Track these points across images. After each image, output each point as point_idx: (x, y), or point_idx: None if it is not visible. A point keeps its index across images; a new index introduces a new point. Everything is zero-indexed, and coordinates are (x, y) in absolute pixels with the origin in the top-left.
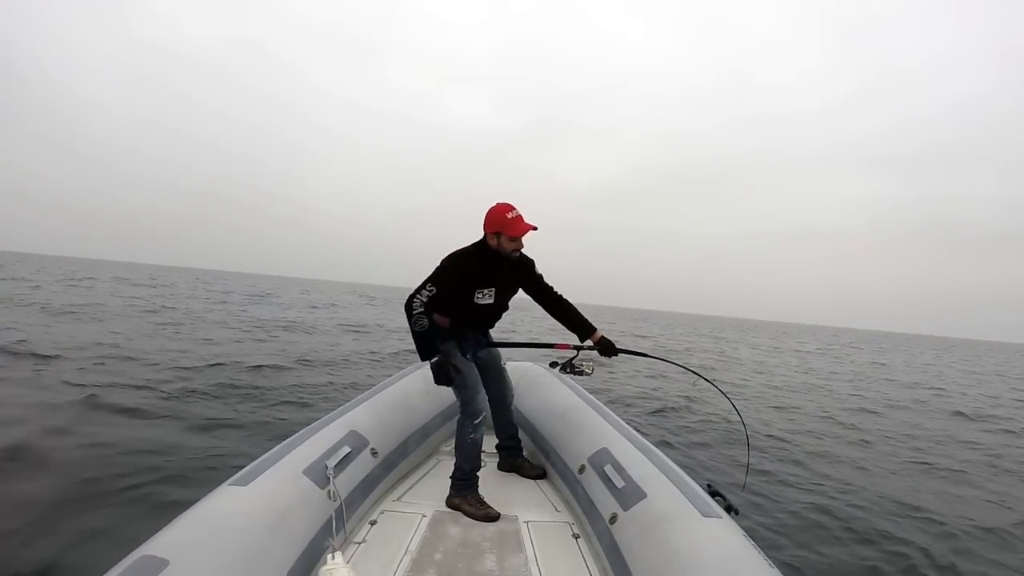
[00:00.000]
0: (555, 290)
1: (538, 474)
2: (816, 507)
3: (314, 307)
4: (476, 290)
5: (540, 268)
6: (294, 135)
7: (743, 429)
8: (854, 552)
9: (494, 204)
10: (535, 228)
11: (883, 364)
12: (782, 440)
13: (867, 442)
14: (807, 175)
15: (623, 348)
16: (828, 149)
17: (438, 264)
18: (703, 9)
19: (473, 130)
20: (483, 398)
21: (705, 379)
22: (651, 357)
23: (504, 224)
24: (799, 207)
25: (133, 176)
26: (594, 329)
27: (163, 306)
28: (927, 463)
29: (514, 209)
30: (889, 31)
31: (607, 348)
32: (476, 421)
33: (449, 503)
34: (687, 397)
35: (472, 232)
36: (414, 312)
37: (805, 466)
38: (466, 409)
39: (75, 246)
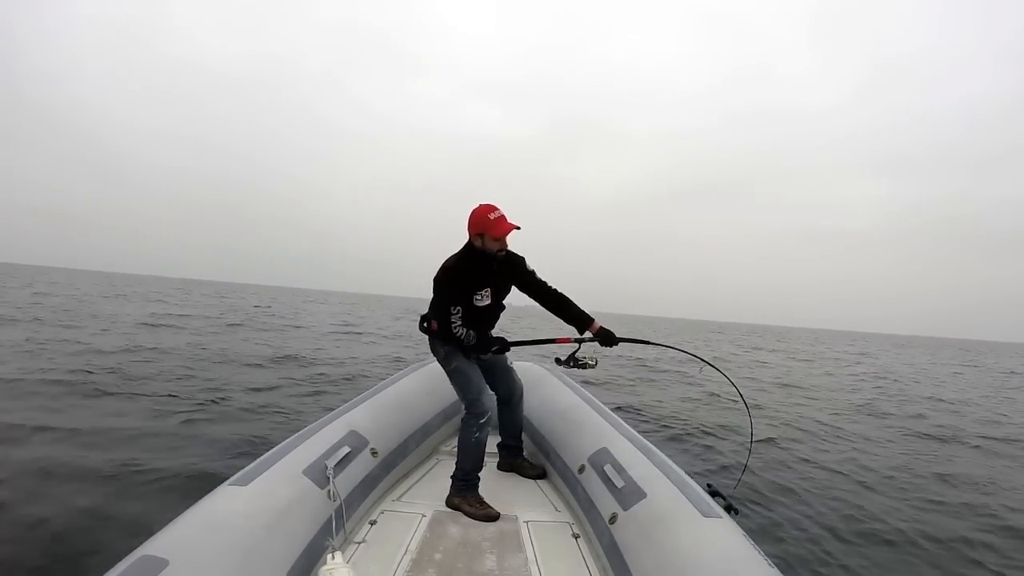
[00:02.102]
0: (549, 284)
1: (538, 474)
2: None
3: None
4: (473, 293)
5: (543, 266)
6: (316, 147)
7: (749, 424)
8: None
9: (476, 206)
10: (518, 228)
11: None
12: None
13: None
14: (830, 175)
15: (623, 337)
16: (848, 147)
17: (436, 281)
18: (711, 16)
19: (491, 138)
20: (488, 398)
21: (711, 364)
22: (652, 344)
23: (487, 225)
24: (824, 209)
25: (159, 190)
26: (592, 320)
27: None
28: None
29: (496, 209)
30: (898, 23)
31: (607, 338)
32: (481, 421)
33: (449, 503)
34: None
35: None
36: (460, 337)
37: None
38: (471, 409)
39: (103, 260)
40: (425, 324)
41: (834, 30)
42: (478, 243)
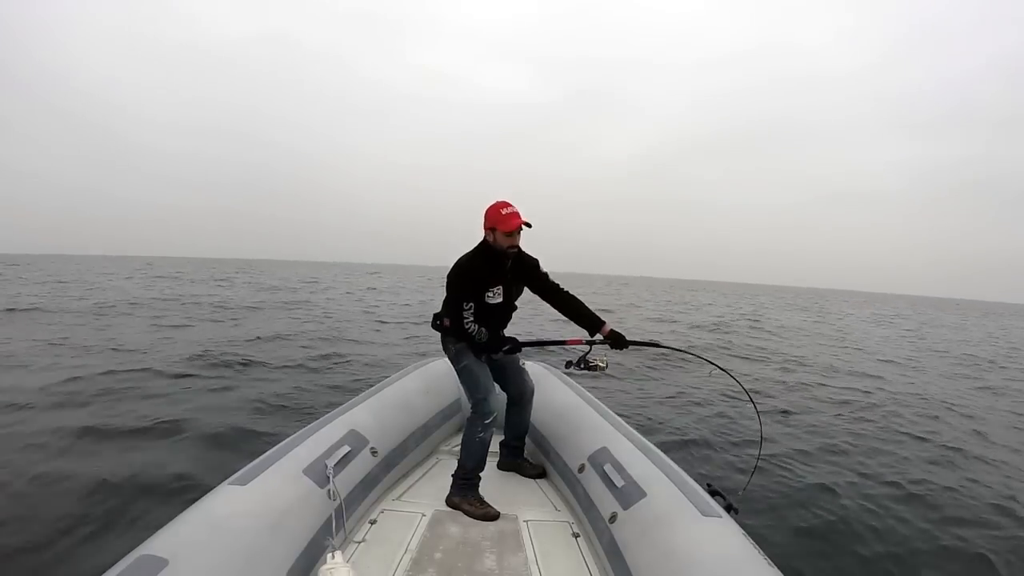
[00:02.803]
0: (562, 287)
1: (538, 473)
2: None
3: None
4: (486, 290)
5: (564, 230)
6: (330, 124)
7: (758, 423)
8: None
9: (492, 203)
10: (528, 225)
11: None
12: None
13: None
14: (850, 137)
15: (634, 340)
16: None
17: (449, 279)
18: None
19: (510, 106)
20: (495, 399)
21: (720, 368)
22: (663, 347)
23: (497, 220)
24: (842, 172)
25: (174, 179)
26: (603, 323)
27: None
28: None
29: (509, 206)
30: None
31: (618, 341)
32: (487, 421)
33: (449, 502)
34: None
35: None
36: (471, 333)
37: None
38: (478, 409)
39: (133, 246)
40: (438, 321)
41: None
42: (490, 238)
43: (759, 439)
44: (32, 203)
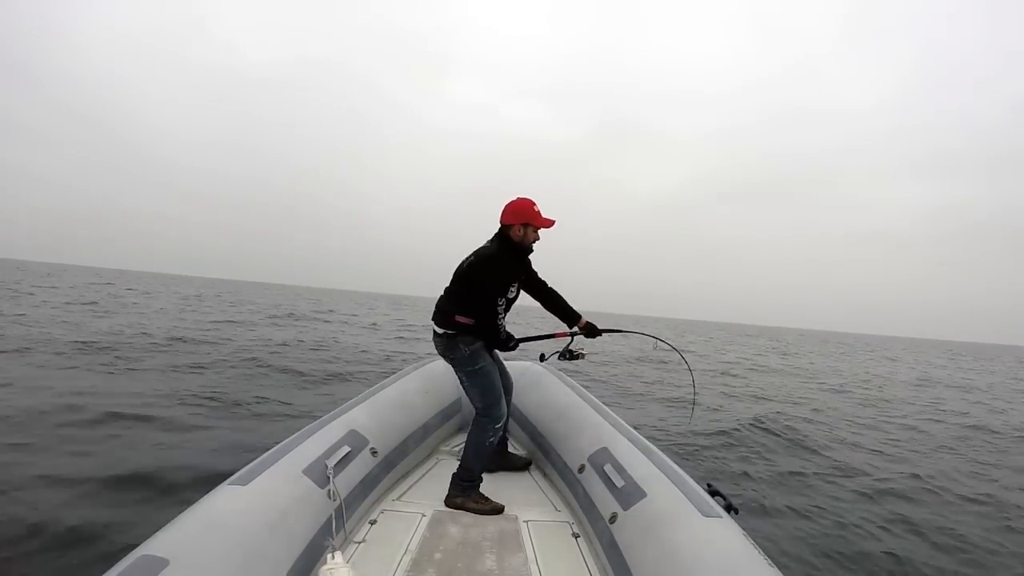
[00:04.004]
0: (547, 283)
1: (525, 463)
2: None
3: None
4: (510, 285)
5: (579, 266)
6: (360, 151)
7: (693, 393)
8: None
9: (516, 198)
10: (555, 222)
11: None
12: None
13: None
14: (872, 178)
15: (604, 328)
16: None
17: (475, 270)
18: (756, 13)
19: (535, 141)
20: (504, 404)
21: (662, 340)
22: (627, 332)
23: (532, 216)
24: (866, 212)
25: (207, 195)
26: (580, 315)
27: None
28: None
29: (536, 203)
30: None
31: (592, 330)
32: (498, 426)
33: (451, 503)
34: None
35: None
36: (499, 330)
37: None
38: (490, 412)
39: (159, 263)
40: (450, 319)
41: (879, 27)
42: (519, 234)
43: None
44: (66, 213)
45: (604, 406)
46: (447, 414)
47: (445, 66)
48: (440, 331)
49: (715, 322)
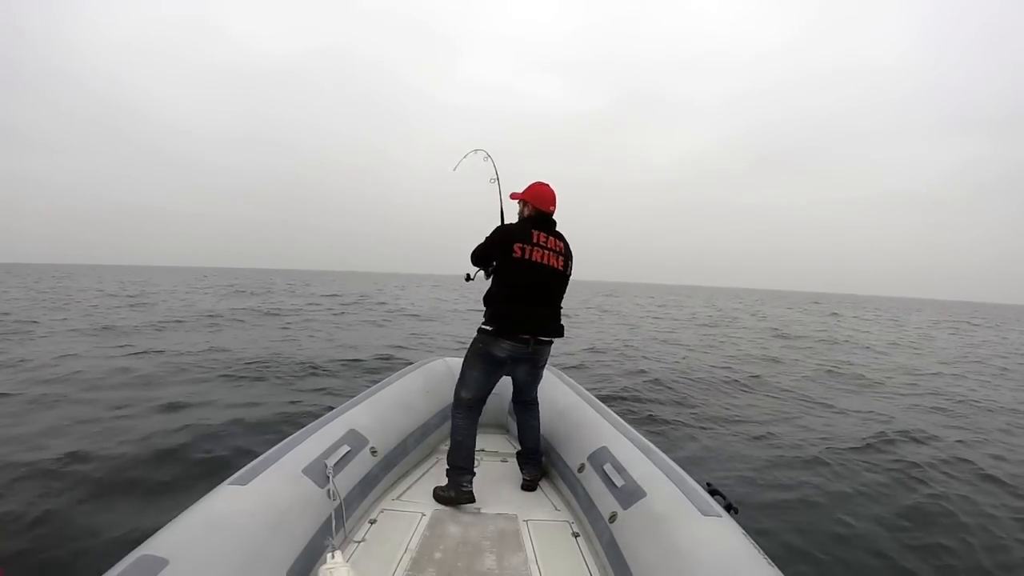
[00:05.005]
0: None
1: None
2: None
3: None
4: None
5: (605, 239)
6: (379, 138)
7: None
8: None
9: (537, 182)
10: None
11: None
12: None
13: None
14: (900, 136)
15: None
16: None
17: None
18: None
19: (554, 115)
20: None
21: None
22: None
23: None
24: (892, 172)
25: (229, 190)
26: None
27: None
28: None
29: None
30: None
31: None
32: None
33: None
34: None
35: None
36: None
37: None
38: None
39: (197, 258)
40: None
41: None
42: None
43: None
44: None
45: (604, 405)
46: (447, 414)
47: (459, 48)
48: (547, 339)
49: (763, 289)
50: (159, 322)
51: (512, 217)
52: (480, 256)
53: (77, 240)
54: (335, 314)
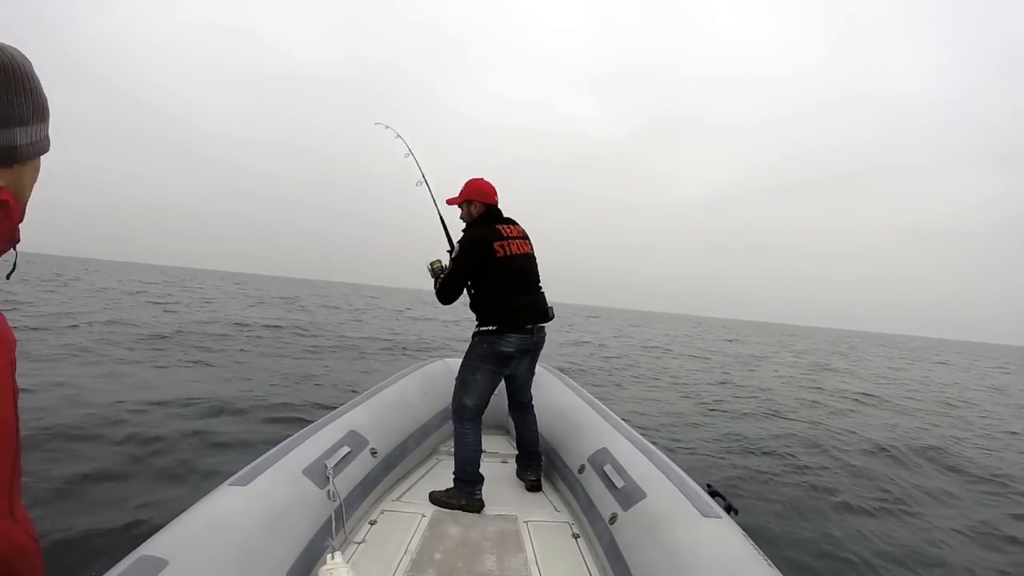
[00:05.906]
0: None
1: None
2: None
3: None
4: None
5: (631, 262)
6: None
7: None
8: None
9: (472, 179)
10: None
11: None
12: None
13: None
14: (934, 172)
15: None
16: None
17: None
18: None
19: (585, 136)
20: None
21: None
22: None
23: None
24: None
25: (269, 198)
26: None
27: None
28: None
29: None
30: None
31: None
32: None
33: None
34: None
35: (573, 246)
36: None
37: None
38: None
39: (230, 262)
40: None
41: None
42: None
43: None
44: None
45: (604, 406)
46: (446, 415)
47: (491, 63)
48: (543, 324)
49: (782, 324)
50: None
51: (450, 219)
52: (452, 288)
53: (115, 236)
54: None
